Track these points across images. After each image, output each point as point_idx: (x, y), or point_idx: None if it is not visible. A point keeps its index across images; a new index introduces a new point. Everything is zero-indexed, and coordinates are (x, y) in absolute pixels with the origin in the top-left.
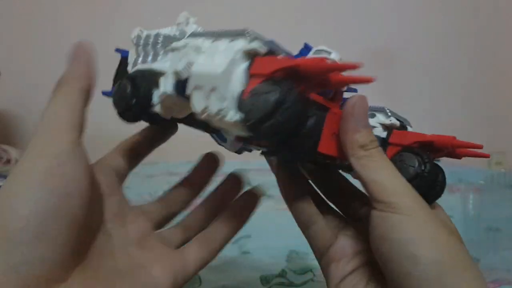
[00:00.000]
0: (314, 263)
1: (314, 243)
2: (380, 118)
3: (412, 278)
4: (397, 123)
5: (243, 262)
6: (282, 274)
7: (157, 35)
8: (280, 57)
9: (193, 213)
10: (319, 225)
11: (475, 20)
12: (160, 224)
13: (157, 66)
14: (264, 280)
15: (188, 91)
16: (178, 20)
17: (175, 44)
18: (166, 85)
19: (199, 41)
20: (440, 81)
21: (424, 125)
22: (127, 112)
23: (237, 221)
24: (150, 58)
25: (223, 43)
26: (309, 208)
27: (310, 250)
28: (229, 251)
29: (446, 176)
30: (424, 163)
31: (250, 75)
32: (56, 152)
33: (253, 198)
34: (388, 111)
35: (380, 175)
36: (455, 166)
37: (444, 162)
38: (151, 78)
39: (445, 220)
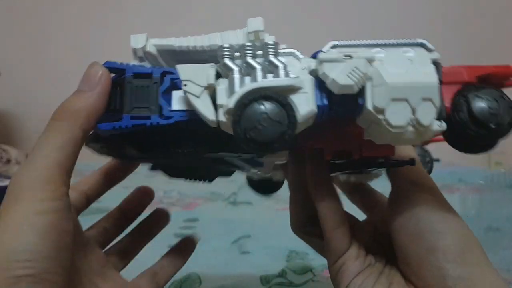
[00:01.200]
0: (314, 263)
1: (335, 244)
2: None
3: (438, 251)
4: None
5: (243, 262)
6: (282, 274)
7: (242, 47)
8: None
9: (129, 239)
10: (346, 227)
11: (475, 20)
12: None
13: (281, 81)
14: (264, 280)
15: (381, 103)
16: (251, 28)
17: (323, 56)
18: (310, 103)
19: (365, 51)
20: None
21: None
22: (281, 142)
23: (182, 258)
24: (249, 73)
25: (406, 53)
26: (341, 209)
27: (310, 250)
28: (229, 251)
29: (446, 176)
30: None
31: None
32: (51, 209)
33: (191, 243)
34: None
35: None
36: (455, 166)
37: (444, 162)
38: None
39: None
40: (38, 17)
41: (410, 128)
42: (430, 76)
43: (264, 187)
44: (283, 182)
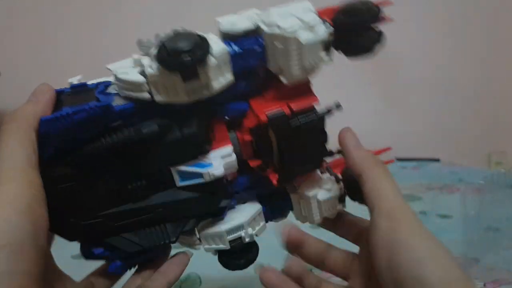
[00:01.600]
0: None
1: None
2: None
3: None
4: None
5: None
6: None
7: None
8: None
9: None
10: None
11: (475, 20)
12: None
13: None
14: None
15: (272, 22)
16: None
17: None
18: (221, 45)
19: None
20: (440, 81)
21: (424, 125)
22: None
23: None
24: None
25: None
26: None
27: None
28: None
29: (446, 176)
30: None
31: None
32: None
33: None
34: None
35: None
36: (455, 166)
37: (444, 162)
38: None
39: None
40: (38, 17)
41: (302, 30)
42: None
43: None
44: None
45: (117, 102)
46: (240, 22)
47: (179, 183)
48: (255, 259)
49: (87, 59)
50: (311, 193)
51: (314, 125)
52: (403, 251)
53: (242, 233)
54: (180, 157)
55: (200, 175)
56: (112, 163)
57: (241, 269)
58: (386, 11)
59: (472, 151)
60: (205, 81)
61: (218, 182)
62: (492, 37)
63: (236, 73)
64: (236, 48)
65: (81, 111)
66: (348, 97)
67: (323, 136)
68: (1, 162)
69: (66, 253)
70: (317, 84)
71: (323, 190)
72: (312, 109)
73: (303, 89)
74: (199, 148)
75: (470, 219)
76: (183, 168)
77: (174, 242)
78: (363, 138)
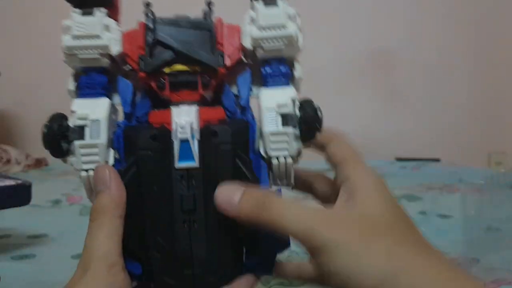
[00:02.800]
0: None
1: None
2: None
3: None
4: None
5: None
6: None
7: None
8: None
9: None
10: None
11: (475, 20)
12: None
13: None
14: (264, 280)
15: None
16: None
17: None
18: None
19: None
20: (440, 81)
21: (424, 125)
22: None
23: None
24: None
25: None
26: None
27: None
28: None
29: (446, 176)
30: None
31: None
32: None
33: None
34: None
35: (291, 230)
36: (455, 166)
37: (445, 162)
38: None
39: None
40: (38, 17)
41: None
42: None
43: None
44: None
45: None
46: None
47: None
48: None
49: None
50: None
51: None
52: None
53: None
54: None
55: None
56: None
57: None
58: (386, 10)
59: (472, 151)
60: None
61: None
62: (492, 37)
63: None
64: None
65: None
66: (348, 97)
67: None
68: (90, 254)
69: (66, 253)
70: (318, 84)
71: None
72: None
73: None
74: None
75: (470, 219)
76: None
77: None
78: (363, 138)
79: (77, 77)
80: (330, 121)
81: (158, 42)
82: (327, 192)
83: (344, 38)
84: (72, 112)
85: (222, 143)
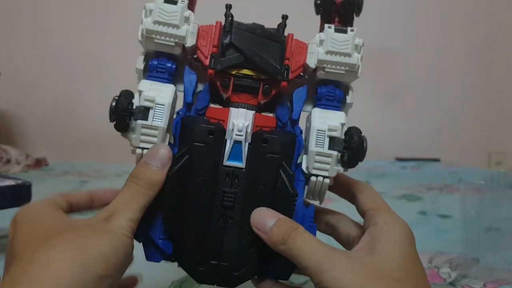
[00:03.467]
0: None
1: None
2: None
3: None
4: None
5: None
6: None
7: None
8: None
9: None
10: None
11: (475, 20)
12: None
13: None
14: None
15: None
16: None
17: None
18: None
19: None
20: (440, 81)
21: (424, 125)
22: (114, 124)
23: None
24: None
25: None
26: None
27: None
28: None
29: (446, 176)
30: None
31: None
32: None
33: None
34: None
35: (305, 261)
36: (455, 166)
37: (445, 162)
38: None
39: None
40: (38, 17)
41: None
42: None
43: None
44: None
45: None
46: None
47: None
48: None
49: (87, 59)
50: None
51: None
52: None
53: None
54: None
55: None
56: None
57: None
58: (386, 10)
59: (472, 151)
60: None
61: None
62: (492, 37)
63: None
64: None
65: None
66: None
67: None
68: (113, 208)
69: None
70: None
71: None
72: None
73: None
74: None
75: (470, 219)
76: None
77: None
78: None
79: (148, 57)
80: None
81: (232, 45)
82: (350, 235)
83: None
84: (139, 91)
85: (270, 152)
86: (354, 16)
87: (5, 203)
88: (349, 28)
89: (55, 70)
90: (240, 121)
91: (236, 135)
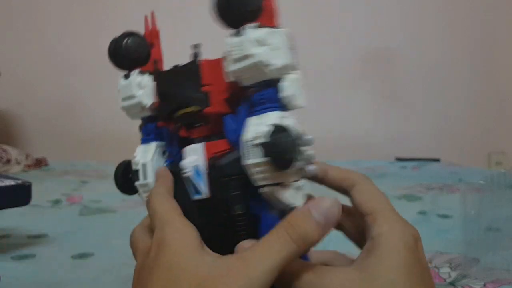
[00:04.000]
0: None
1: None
2: None
3: None
4: None
5: None
6: None
7: None
8: None
9: None
10: None
11: (475, 21)
12: None
13: None
14: None
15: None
16: None
17: None
18: None
19: None
20: (440, 81)
21: (424, 125)
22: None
23: None
24: None
25: None
26: None
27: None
28: None
29: (446, 176)
30: None
31: None
32: None
33: None
34: None
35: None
36: (455, 166)
37: (444, 162)
38: None
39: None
40: (38, 17)
41: None
42: None
43: None
44: None
45: None
46: None
47: None
48: None
49: (87, 59)
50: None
51: None
52: None
53: None
54: None
55: None
56: None
57: None
58: (386, 10)
59: (472, 151)
60: None
61: None
62: (492, 37)
63: None
64: None
65: None
66: (348, 98)
67: None
68: (162, 214)
69: (66, 253)
70: (318, 84)
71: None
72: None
73: None
74: None
75: (470, 219)
76: None
77: None
78: (363, 138)
79: (141, 127)
80: (330, 122)
81: (162, 94)
82: (355, 233)
83: (344, 38)
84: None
85: (220, 176)
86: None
87: (5, 203)
88: (242, 27)
89: (55, 70)
90: (188, 159)
91: (182, 173)
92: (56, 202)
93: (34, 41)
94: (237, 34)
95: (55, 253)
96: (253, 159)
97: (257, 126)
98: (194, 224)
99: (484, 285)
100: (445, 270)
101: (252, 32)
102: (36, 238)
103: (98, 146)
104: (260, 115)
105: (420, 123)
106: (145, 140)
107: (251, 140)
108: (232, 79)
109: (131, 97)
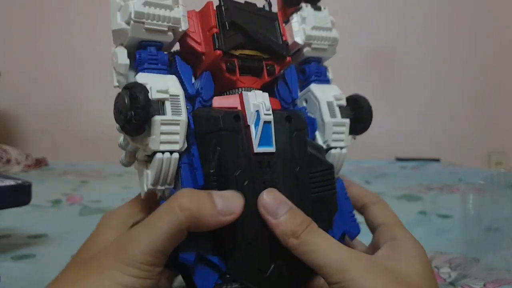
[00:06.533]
0: None
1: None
2: None
3: None
4: None
5: None
6: None
7: None
8: None
9: None
10: None
11: (475, 20)
12: None
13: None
14: None
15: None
16: None
17: None
18: None
19: None
20: (440, 81)
21: (424, 125)
22: (128, 125)
23: None
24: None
25: None
26: None
27: None
28: None
29: (446, 176)
30: None
31: None
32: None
33: None
34: None
35: (322, 258)
36: (455, 166)
37: (444, 162)
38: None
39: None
40: (38, 17)
41: None
42: None
43: None
44: None
45: None
46: None
47: None
48: None
49: (87, 59)
50: None
51: None
52: None
53: None
54: None
55: None
56: None
57: None
58: (386, 10)
59: (472, 151)
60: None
61: None
62: (492, 37)
63: None
64: None
65: None
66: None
67: None
68: (136, 242)
69: (66, 253)
70: None
71: None
72: None
73: None
74: None
75: (470, 219)
76: None
77: None
78: (363, 138)
79: (130, 50)
80: None
81: (233, 24)
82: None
83: (344, 38)
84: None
85: (296, 129)
86: None
87: (5, 203)
88: (321, 6)
89: (55, 70)
90: (260, 102)
91: (265, 114)
92: (56, 202)
93: (34, 41)
94: (319, 9)
95: (55, 253)
96: (336, 118)
97: (325, 92)
98: (253, 182)
99: (484, 285)
100: (445, 270)
101: (328, 13)
102: (36, 238)
103: (98, 146)
104: (320, 85)
105: (420, 123)
106: (152, 70)
107: (333, 101)
108: (301, 42)
109: (167, 7)
